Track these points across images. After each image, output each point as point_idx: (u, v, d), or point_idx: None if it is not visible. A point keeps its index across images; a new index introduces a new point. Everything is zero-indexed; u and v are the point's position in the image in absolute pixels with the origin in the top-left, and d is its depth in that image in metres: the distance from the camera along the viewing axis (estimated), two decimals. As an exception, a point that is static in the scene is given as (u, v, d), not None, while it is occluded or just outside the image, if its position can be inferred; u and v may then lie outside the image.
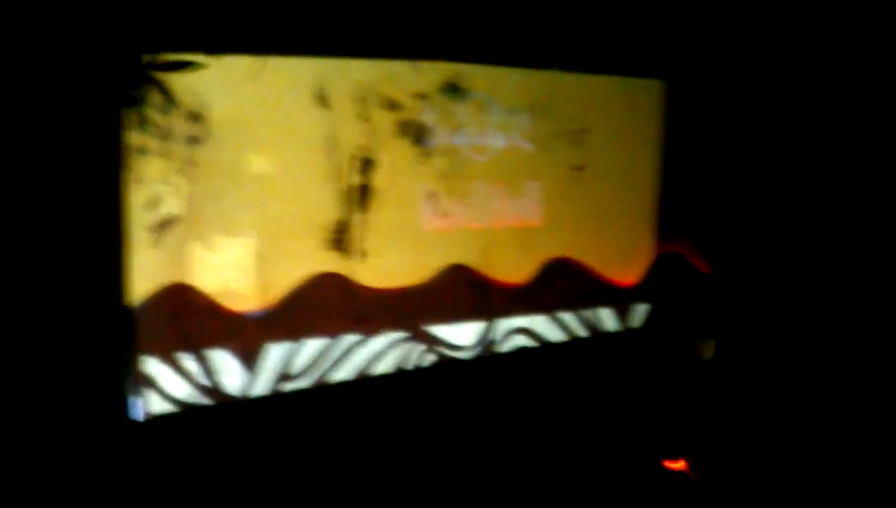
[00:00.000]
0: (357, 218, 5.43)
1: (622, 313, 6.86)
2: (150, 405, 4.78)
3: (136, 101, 3.72)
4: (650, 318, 7.01)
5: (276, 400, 5.19)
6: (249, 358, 5.10)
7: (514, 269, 6.21)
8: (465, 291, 5.97)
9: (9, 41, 3.82)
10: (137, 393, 4.73)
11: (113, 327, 4.52)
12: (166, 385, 4.82)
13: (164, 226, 4.74)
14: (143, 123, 3.80)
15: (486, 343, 6.11)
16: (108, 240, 4.47)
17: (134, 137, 4.44)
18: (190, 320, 4.87)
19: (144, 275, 4.70)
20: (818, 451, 5.68)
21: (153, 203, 4.69)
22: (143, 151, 4.58)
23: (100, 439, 4.50)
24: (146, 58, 3.79)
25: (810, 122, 6.70)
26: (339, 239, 5.39)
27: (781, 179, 6.86)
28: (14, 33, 3.82)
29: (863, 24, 6.35)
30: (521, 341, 6.32)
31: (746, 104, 6.86)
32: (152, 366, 4.77)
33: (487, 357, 6.14)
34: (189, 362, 4.89)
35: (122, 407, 4.65)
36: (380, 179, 5.49)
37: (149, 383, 4.76)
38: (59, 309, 4.29)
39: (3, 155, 4.03)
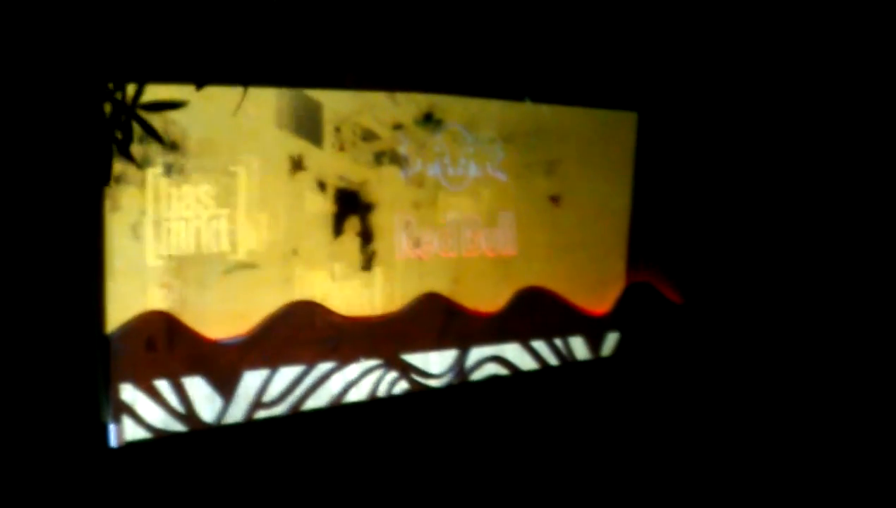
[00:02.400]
0: (332, 246, 5.47)
1: (593, 341, 6.92)
2: (125, 431, 4.77)
3: (125, 140, 3.76)
4: (620, 347, 7.07)
5: (250, 427, 5.20)
6: (225, 385, 5.11)
7: (487, 298, 6.26)
8: (438, 320, 6.01)
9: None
10: (113, 419, 4.73)
11: (89, 354, 4.53)
12: (142, 411, 4.82)
13: (142, 254, 4.78)
14: (124, 153, 3.84)
15: (458, 370, 6.16)
16: (85, 269, 4.49)
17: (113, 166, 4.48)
18: (166, 347, 4.89)
19: (120, 303, 4.73)
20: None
21: (130, 231, 4.73)
22: (120, 180, 4.63)
23: (76, 465, 4.49)
24: (130, 93, 3.83)
25: (778, 155, 6.84)
26: (314, 267, 5.43)
27: (750, 210, 6.99)
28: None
29: (826, 60, 6.52)
30: (493, 369, 6.36)
31: (715, 137, 6.99)
32: (128, 393, 4.77)
33: (460, 384, 6.18)
34: (165, 389, 4.90)
35: (99, 433, 4.65)
36: (355, 208, 5.55)
37: (125, 410, 4.77)
38: (36, 337, 4.29)
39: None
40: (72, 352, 4.43)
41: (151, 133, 3.82)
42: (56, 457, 4.45)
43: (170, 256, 4.88)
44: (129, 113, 3.65)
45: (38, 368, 4.32)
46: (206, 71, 4.41)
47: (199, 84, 4.24)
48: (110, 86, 3.78)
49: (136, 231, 4.75)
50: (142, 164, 4.63)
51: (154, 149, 4.67)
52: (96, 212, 4.55)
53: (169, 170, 4.81)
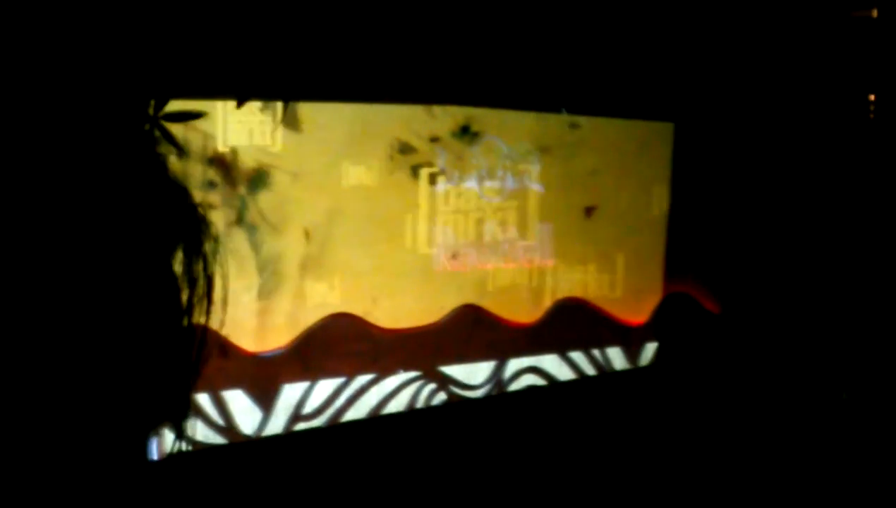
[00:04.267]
0: (370, 258, 5.50)
1: (631, 352, 6.90)
2: (164, 443, 4.82)
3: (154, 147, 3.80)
4: (658, 357, 7.05)
5: (290, 439, 5.23)
6: (264, 397, 5.15)
7: (525, 309, 6.26)
8: (476, 331, 6.02)
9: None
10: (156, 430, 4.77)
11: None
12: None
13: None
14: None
15: (496, 382, 6.16)
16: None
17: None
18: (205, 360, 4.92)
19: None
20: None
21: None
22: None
23: (117, 476, 4.53)
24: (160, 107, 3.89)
25: (817, 165, 6.79)
26: (352, 279, 5.45)
27: (789, 221, 6.93)
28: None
29: (865, 65, 6.46)
30: (531, 380, 6.36)
31: (753, 147, 6.94)
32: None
33: (498, 396, 6.18)
34: (204, 401, 4.94)
35: (140, 445, 4.69)
36: (393, 221, 5.57)
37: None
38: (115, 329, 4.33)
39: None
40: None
41: (173, 143, 3.85)
42: (96, 469, 4.50)
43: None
44: (153, 123, 3.68)
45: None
46: (242, 86, 4.45)
47: (240, 100, 4.29)
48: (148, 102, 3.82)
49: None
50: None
51: (192, 165, 4.71)
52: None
53: (207, 184, 4.86)
